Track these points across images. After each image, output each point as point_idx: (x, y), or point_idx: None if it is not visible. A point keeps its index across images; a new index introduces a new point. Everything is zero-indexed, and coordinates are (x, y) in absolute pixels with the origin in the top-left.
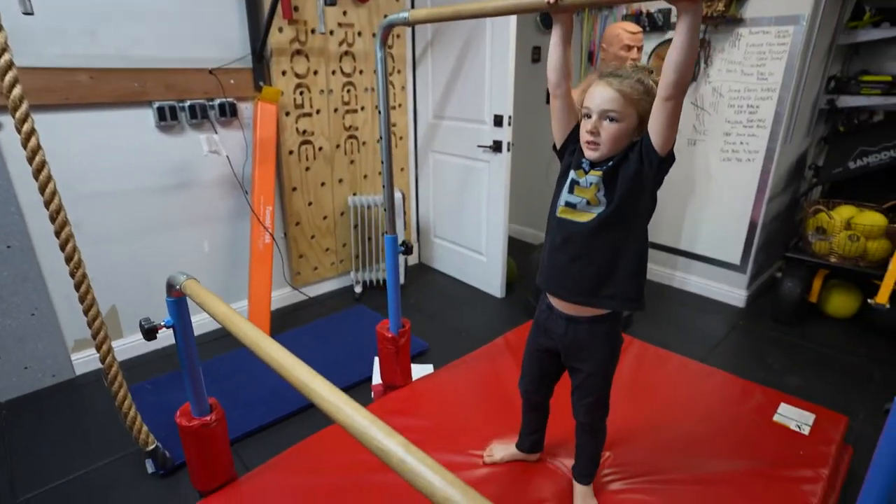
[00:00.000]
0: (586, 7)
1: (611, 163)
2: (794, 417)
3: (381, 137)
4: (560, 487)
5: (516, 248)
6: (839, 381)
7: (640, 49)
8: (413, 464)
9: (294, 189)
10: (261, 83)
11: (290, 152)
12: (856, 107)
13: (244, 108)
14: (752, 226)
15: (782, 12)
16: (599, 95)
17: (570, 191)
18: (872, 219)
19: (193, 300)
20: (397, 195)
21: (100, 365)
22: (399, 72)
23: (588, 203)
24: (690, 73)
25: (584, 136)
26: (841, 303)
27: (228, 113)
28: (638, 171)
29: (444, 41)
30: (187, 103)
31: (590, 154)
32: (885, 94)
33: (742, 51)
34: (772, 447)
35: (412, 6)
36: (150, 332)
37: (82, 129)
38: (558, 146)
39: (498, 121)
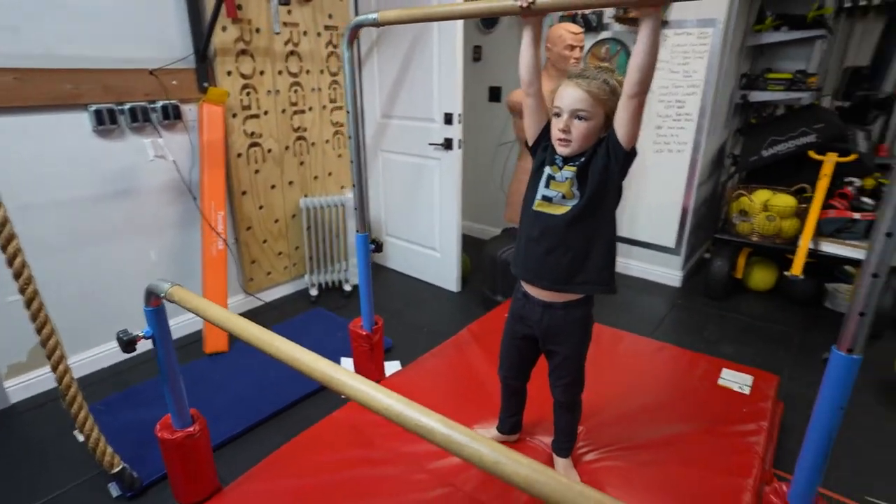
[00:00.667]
0: (558, 10)
1: (582, 158)
2: (735, 380)
3: (350, 136)
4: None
5: (466, 242)
6: (765, 345)
7: (581, 48)
8: (457, 437)
9: (244, 193)
10: (205, 84)
11: (239, 155)
12: (764, 101)
13: (188, 110)
14: (684, 211)
15: (702, 15)
16: (569, 96)
17: (547, 185)
18: (785, 201)
19: (184, 307)
20: (349, 195)
21: (40, 390)
22: None
23: (563, 197)
24: (653, 72)
25: (556, 134)
26: (762, 277)
27: (172, 115)
28: (606, 165)
29: (391, 40)
30: (127, 106)
31: (562, 150)
32: (787, 89)
33: (669, 50)
34: (719, 407)
35: (356, 6)
36: (129, 345)
37: (9, 136)
38: (531, 143)
39: (448, 119)
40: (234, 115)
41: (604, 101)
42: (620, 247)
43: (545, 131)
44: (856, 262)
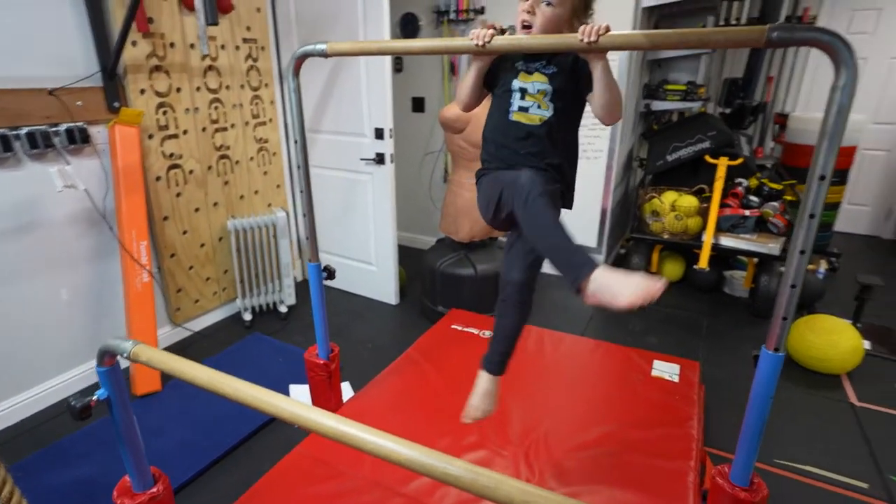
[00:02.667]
0: (509, 52)
1: (553, 69)
2: (665, 370)
3: (299, 166)
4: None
5: (398, 253)
6: (681, 333)
7: None
8: (486, 480)
9: (166, 218)
10: (116, 104)
11: (158, 178)
12: (663, 109)
13: (98, 132)
14: (604, 213)
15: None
16: None
17: (522, 97)
18: (689, 201)
19: (154, 367)
20: (281, 214)
21: None
22: (266, 85)
23: (538, 107)
24: (621, 103)
25: (521, 17)
26: (672, 270)
27: (79, 139)
28: (576, 89)
29: None
30: (24, 130)
31: (522, 35)
32: (683, 99)
33: None
34: (656, 396)
35: (274, 19)
36: (83, 412)
37: None
38: (490, 86)
39: (379, 133)
40: (151, 136)
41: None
42: None
43: (495, 69)
44: (748, 253)
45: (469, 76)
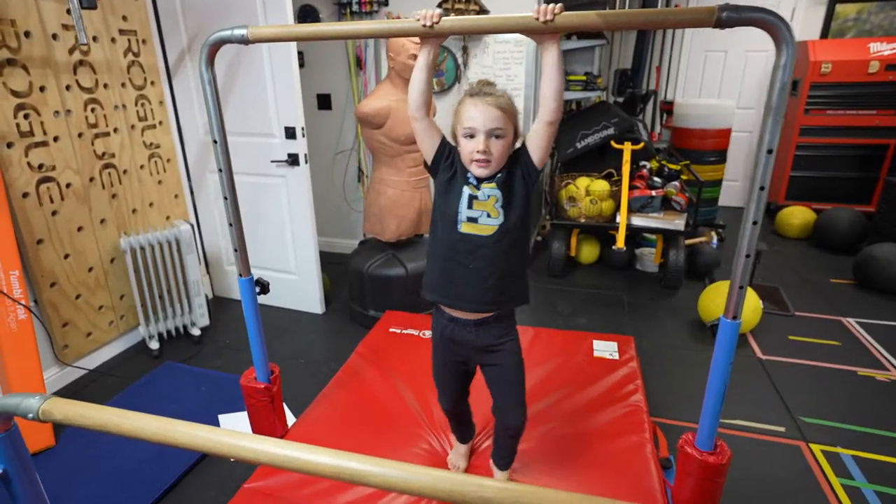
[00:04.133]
0: (461, 34)
1: (499, 175)
2: (605, 349)
3: (220, 170)
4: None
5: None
6: (606, 311)
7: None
8: (412, 476)
9: (40, 241)
10: None
11: (25, 195)
12: (567, 99)
13: None
14: None
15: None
16: (484, 115)
17: (470, 206)
18: (601, 186)
19: (71, 424)
20: (185, 227)
21: None
22: (153, 83)
23: (489, 216)
24: (563, 96)
25: (473, 156)
26: (589, 252)
27: None
28: (523, 183)
29: None
30: None
31: (481, 172)
32: (584, 88)
33: (491, 57)
34: (601, 375)
35: (155, 8)
36: None
37: None
38: (429, 162)
39: (290, 133)
40: (10, 145)
41: (513, 116)
42: None
43: (441, 149)
44: (657, 230)
45: (416, 71)
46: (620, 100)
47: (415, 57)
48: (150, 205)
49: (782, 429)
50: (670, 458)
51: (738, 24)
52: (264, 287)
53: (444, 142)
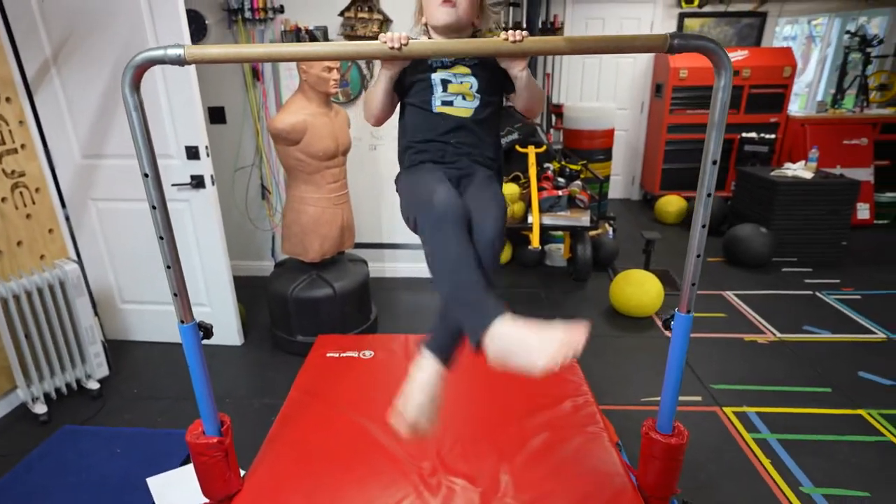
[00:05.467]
0: (427, 58)
1: (475, 62)
2: None
3: (154, 207)
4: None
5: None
6: (527, 308)
7: (339, 69)
8: None
9: None
10: None
11: None
12: None
13: None
14: None
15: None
16: None
17: (444, 89)
18: (512, 188)
19: None
20: (70, 267)
21: None
22: (9, 100)
23: (464, 98)
24: (543, 98)
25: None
26: (503, 253)
27: None
28: (499, 81)
29: (80, 58)
30: None
31: (445, 12)
32: None
33: None
34: (547, 379)
35: (3, 15)
36: None
37: None
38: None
39: (192, 153)
40: None
41: None
42: (388, 252)
43: (401, 81)
44: (566, 228)
45: (379, 86)
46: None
47: (329, 69)
48: (19, 244)
49: (699, 398)
50: (619, 443)
51: (686, 51)
52: (208, 331)
53: (402, 76)
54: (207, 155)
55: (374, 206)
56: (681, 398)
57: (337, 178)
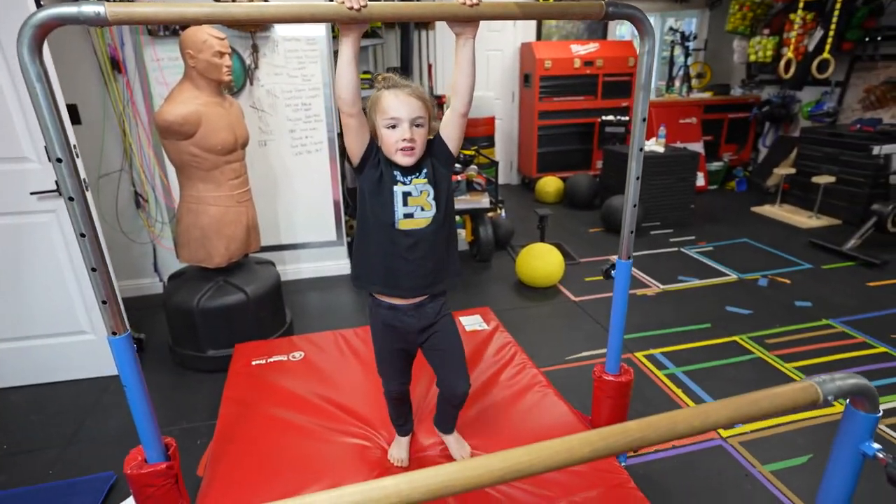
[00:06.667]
0: (387, 21)
1: (424, 170)
2: (473, 323)
3: (72, 198)
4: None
5: None
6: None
7: (230, 55)
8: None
9: None
10: None
11: None
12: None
13: None
14: (336, 204)
15: (308, 34)
16: (407, 105)
17: (405, 203)
18: None
19: None
20: None
21: None
22: None
23: (423, 209)
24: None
25: (399, 145)
26: None
27: None
28: (445, 171)
29: None
30: None
31: (407, 160)
32: (371, 87)
33: (283, 56)
34: (483, 345)
35: None
36: None
37: None
38: (356, 161)
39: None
40: None
41: (430, 106)
42: (288, 254)
43: (370, 148)
44: (468, 211)
45: (342, 64)
46: None
47: (220, 55)
48: None
49: None
50: None
51: (618, 17)
52: (140, 343)
53: (373, 140)
54: (77, 155)
55: (269, 206)
56: (597, 351)
57: (238, 174)
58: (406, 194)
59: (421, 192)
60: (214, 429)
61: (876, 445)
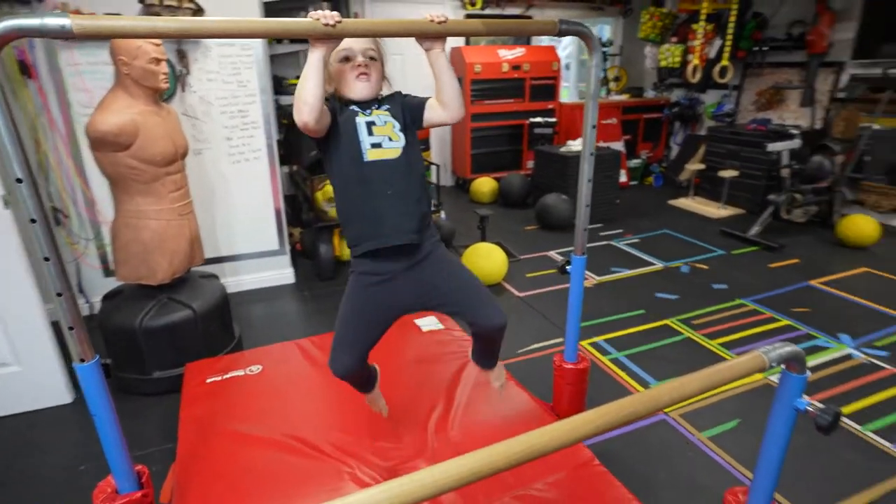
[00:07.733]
0: (360, 37)
1: (386, 105)
2: (429, 324)
3: (34, 220)
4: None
5: None
6: None
7: (166, 62)
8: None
9: None
10: None
11: None
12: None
13: None
14: (278, 212)
15: (244, 41)
16: (358, 42)
17: (370, 133)
18: None
19: None
20: None
21: None
22: None
23: (390, 139)
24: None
25: (355, 71)
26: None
27: None
28: (412, 120)
29: None
30: None
31: (363, 87)
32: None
33: (216, 61)
34: (437, 345)
35: None
36: None
37: None
38: (325, 131)
39: None
40: None
41: (380, 46)
42: (228, 266)
43: (331, 106)
44: None
45: (311, 68)
46: None
47: (157, 61)
48: None
49: (560, 339)
50: None
51: (569, 34)
52: (108, 369)
53: (331, 107)
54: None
55: (207, 216)
56: (546, 342)
57: (179, 186)
58: (370, 124)
59: (385, 122)
60: (172, 453)
61: (806, 399)
